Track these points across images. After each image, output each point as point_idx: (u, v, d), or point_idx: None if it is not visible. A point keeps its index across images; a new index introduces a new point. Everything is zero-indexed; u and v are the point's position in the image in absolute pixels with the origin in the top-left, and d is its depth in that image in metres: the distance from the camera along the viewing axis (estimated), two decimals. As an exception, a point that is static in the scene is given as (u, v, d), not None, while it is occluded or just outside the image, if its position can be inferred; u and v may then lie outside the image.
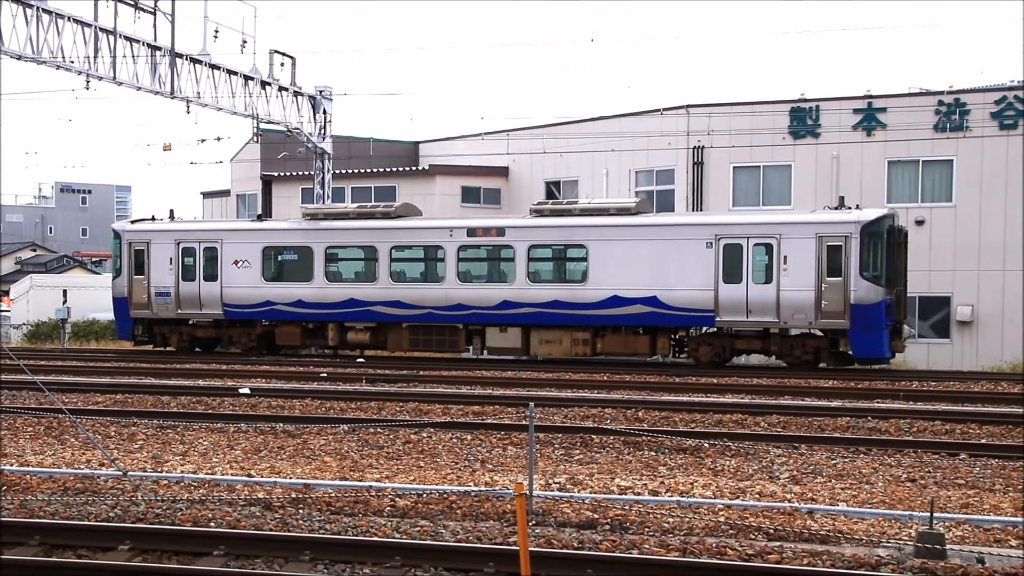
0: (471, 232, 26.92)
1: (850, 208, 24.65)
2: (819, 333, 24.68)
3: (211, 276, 28.64)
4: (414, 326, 27.30)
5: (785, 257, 24.13)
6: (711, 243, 24.67)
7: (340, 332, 28.09)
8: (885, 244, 24.36)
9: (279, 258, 28.70)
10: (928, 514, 9.25)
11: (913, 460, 13.28)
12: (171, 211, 30.56)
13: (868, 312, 23.69)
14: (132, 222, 30.97)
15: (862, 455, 13.58)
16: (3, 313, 46.99)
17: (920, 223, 30.90)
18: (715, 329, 25.24)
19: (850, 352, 24.23)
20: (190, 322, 29.52)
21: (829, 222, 24.18)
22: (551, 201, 29.13)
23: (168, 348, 29.84)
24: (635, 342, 25.74)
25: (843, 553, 8.62)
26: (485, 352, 27.52)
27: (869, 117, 31.74)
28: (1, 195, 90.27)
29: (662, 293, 24.98)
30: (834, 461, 13.18)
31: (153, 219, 30.36)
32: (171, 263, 28.89)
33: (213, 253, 28.69)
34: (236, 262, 28.43)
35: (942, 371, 26.88)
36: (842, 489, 11.54)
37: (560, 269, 26.78)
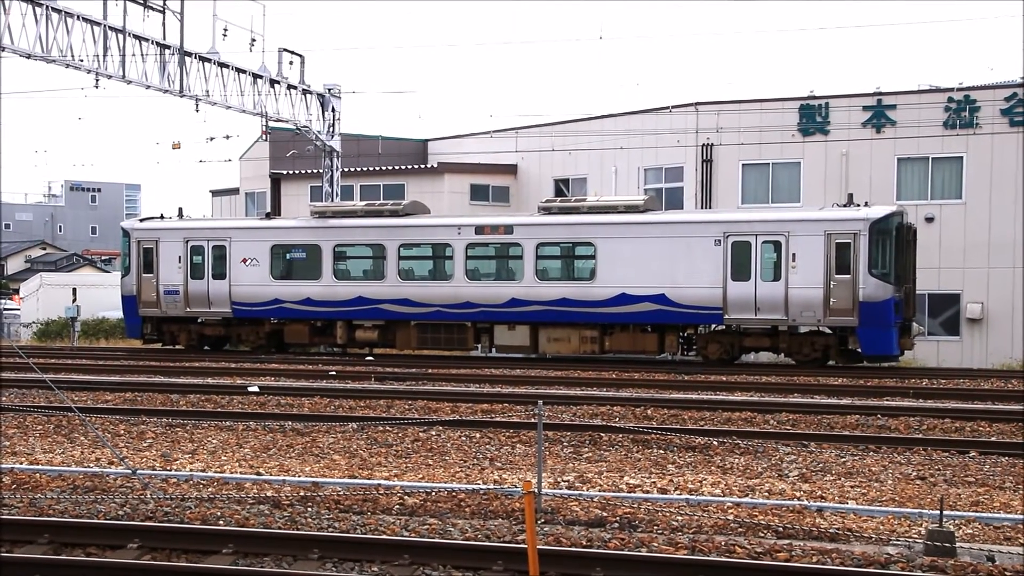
0: (479, 230, 26.93)
1: (859, 205, 24.59)
2: (828, 331, 24.63)
3: (220, 274, 28.69)
4: (422, 324, 27.31)
5: (794, 255, 24.09)
6: (719, 240, 24.63)
7: (348, 330, 28.09)
8: (894, 241, 24.31)
9: (288, 256, 28.73)
10: (938, 512, 9.22)
11: (923, 458, 13.25)
12: (180, 209, 30.64)
13: (877, 309, 23.64)
14: (141, 220, 31.02)
15: (872, 453, 13.54)
16: (13, 311, 47.19)
17: (930, 220, 30.80)
18: (723, 327, 25.21)
19: (859, 350, 24.17)
20: (199, 320, 29.57)
21: (838, 219, 24.12)
22: (559, 199, 29.12)
23: (177, 346, 29.91)
24: (643, 340, 25.72)
25: (853, 551, 8.60)
26: (493, 350, 27.52)
27: (878, 114, 31.65)
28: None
29: (670, 291, 24.95)
30: (843, 459, 13.15)
31: (162, 217, 30.44)
32: (180, 261, 28.93)
33: (222, 251, 28.75)
34: (245, 260, 28.48)
35: (952, 369, 26.81)
36: (851, 487, 11.51)
37: (568, 267, 26.76)
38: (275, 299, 28.28)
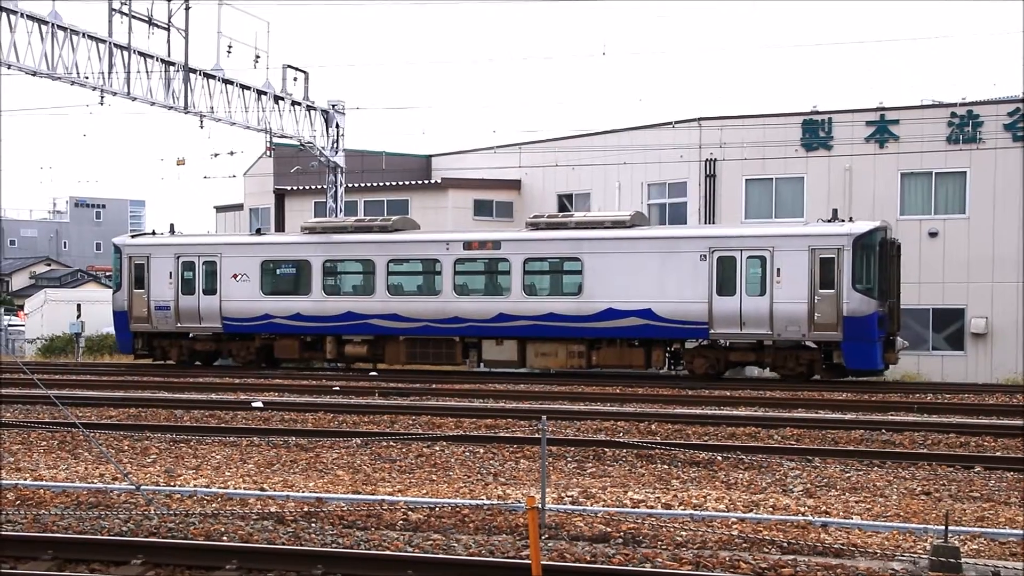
0: (467, 245, 27.09)
1: (843, 221, 24.83)
2: (812, 345, 24.71)
3: (210, 290, 28.81)
4: (411, 339, 27.45)
5: (778, 270, 24.25)
6: (705, 256, 24.81)
7: (338, 345, 28.23)
8: (877, 256, 24.53)
9: (278, 272, 28.90)
10: (943, 527, 9.19)
11: (928, 473, 13.21)
12: (171, 225, 30.81)
13: (860, 324, 23.78)
14: (132, 236, 31.20)
15: (876, 468, 13.51)
16: (18, 327, 47.25)
17: (933, 235, 30.82)
18: (709, 341, 25.29)
19: (843, 364, 24.28)
20: (190, 335, 29.66)
21: (821, 235, 24.32)
22: (547, 214, 29.34)
23: (168, 361, 29.99)
24: (630, 354, 25.82)
25: (857, 567, 8.57)
26: (481, 365, 27.59)
27: (882, 129, 31.69)
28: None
29: (656, 306, 25.09)
30: (848, 474, 13.12)
31: (153, 233, 30.69)
32: (171, 277, 29.07)
33: (212, 267, 28.88)
34: (235, 276, 28.61)
35: (956, 383, 26.77)
36: (856, 502, 11.48)
37: (555, 282, 26.94)
38: (265, 314, 28.39)
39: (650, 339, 25.58)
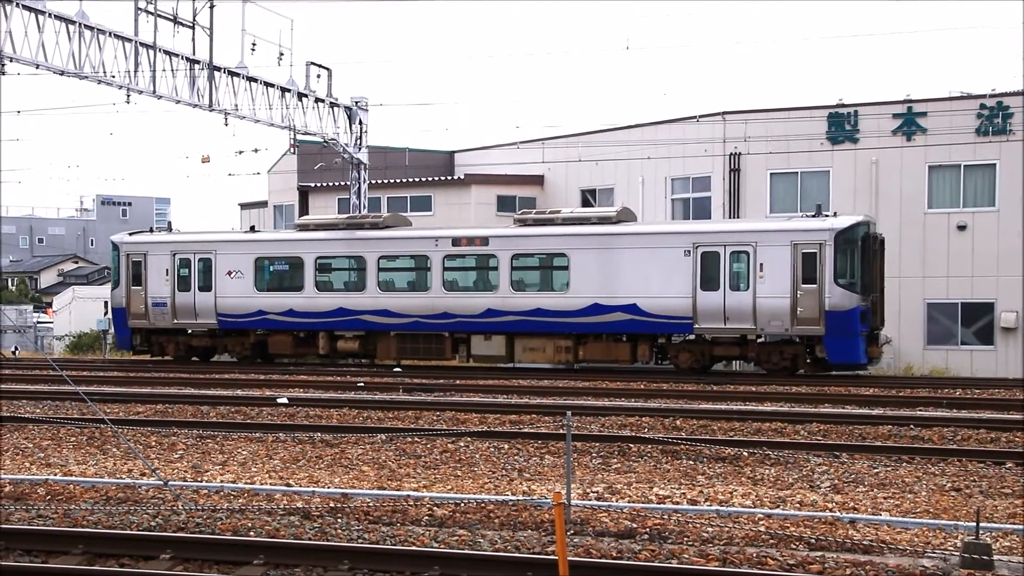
0: (456, 242, 27.31)
1: (826, 215, 24.95)
2: (796, 339, 24.69)
3: (206, 286, 29.17)
4: (401, 334, 27.64)
5: (761, 265, 24.39)
6: (689, 251, 24.94)
7: (330, 341, 28.50)
8: (860, 251, 24.69)
9: (271, 268, 29.24)
10: (974, 524, 9.10)
11: (958, 469, 13.09)
12: (169, 223, 31.23)
13: (843, 318, 23.87)
14: (130, 234, 31.58)
15: (905, 464, 13.40)
16: (46, 324, 47.69)
17: (962, 228, 30.52)
18: (694, 336, 25.34)
19: (826, 358, 24.27)
20: (187, 331, 29.91)
21: (804, 230, 24.45)
22: (535, 211, 29.54)
23: (165, 357, 30.28)
24: (616, 349, 26.02)
25: (887, 563, 8.50)
26: (470, 360, 27.74)
27: (909, 122, 31.39)
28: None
29: (641, 301, 25.25)
30: (876, 470, 13.02)
31: (151, 231, 31.11)
32: (167, 274, 29.43)
33: (208, 264, 29.25)
34: (230, 272, 28.95)
35: (986, 378, 26.53)
36: (885, 498, 11.39)
37: (543, 278, 27.10)
38: (259, 310, 28.69)
39: (636, 334, 25.70)
